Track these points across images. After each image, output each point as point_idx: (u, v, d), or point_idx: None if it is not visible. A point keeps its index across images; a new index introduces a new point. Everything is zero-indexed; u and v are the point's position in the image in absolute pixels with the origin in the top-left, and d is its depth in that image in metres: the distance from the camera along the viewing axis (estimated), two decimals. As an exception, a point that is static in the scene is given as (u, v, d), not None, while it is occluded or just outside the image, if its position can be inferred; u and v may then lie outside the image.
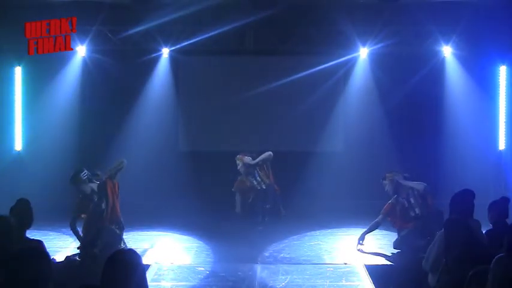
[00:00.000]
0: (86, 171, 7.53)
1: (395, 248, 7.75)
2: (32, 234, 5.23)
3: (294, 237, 8.60)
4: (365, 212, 8.95)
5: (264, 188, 9.71)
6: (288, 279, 6.42)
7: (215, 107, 11.24)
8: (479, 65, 10.83)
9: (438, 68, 10.97)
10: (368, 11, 10.06)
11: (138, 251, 3.46)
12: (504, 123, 10.96)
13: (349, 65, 11.09)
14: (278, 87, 10.90)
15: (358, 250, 7.75)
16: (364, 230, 7.92)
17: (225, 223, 9.46)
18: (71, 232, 7.58)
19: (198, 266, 7.00)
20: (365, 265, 6.90)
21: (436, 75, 10.98)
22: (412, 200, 7.77)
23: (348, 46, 10.60)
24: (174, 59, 11.08)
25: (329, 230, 9.06)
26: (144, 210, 9.84)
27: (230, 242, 8.13)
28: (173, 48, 10.70)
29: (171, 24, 10.12)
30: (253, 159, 9.81)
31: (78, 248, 7.37)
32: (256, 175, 9.78)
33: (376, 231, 8.26)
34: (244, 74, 11.30)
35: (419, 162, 10.25)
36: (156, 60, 11.01)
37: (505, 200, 5.59)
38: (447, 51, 10.69)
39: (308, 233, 8.85)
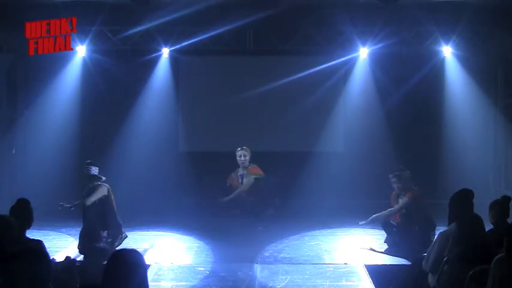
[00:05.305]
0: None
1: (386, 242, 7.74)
2: (32, 234, 5.23)
3: (294, 237, 8.59)
4: (365, 212, 8.91)
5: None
6: (288, 279, 6.42)
7: (215, 107, 11.24)
8: (479, 65, 10.83)
9: (438, 68, 10.95)
10: (368, 11, 10.05)
11: (138, 251, 3.45)
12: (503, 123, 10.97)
13: (349, 65, 11.07)
14: (278, 87, 10.88)
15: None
16: (367, 226, 7.92)
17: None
18: (71, 232, 7.67)
19: (198, 266, 6.99)
20: (365, 265, 6.89)
21: (436, 75, 10.96)
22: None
23: (348, 46, 10.58)
24: (174, 59, 11.06)
25: (329, 230, 9.05)
26: (144, 210, 9.84)
27: (230, 242, 8.12)
28: (173, 48, 10.67)
29: (171, 24, 10.11)
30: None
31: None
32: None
33: (376, 231, 8.26)
34: (244, 74, 11.28)
35: (419, 162, 10.26)
36: (156, 60, 10.98)
37: (505, 199, 5.59)
38: (447, 51, 10.67)
39: (308, 233, 8.83)
